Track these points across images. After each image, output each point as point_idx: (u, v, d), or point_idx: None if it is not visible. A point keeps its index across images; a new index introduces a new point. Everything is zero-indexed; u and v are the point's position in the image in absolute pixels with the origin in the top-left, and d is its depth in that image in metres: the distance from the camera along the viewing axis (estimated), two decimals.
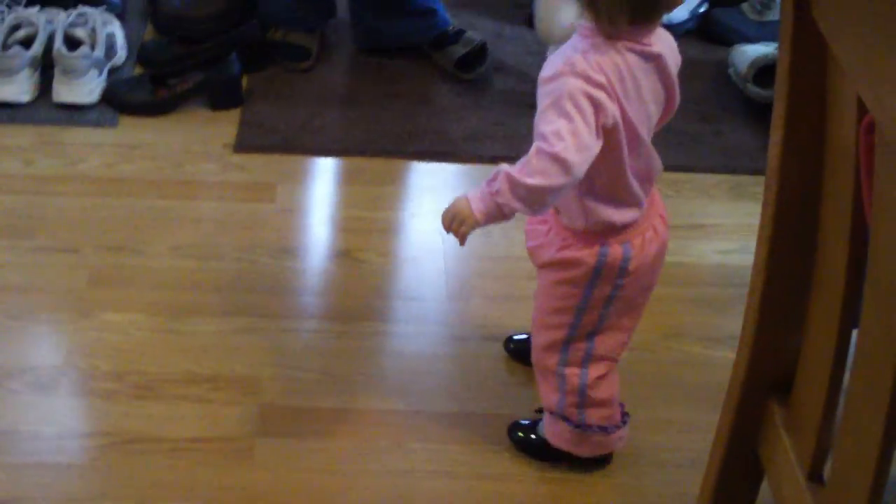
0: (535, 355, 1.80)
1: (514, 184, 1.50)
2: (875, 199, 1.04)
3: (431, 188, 2.49)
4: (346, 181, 2.49)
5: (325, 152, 2.52)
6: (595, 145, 1.49)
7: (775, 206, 1.24)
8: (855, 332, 1.15)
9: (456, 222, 1.57)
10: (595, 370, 1.75)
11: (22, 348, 2.03)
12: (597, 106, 1.48)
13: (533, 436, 1.90)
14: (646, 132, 1.58)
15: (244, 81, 2.67)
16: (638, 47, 1.52)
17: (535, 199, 1.51)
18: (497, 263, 2.28)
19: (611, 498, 1.84)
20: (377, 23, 2.80)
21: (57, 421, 1.89)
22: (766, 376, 1.32)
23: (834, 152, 1.14)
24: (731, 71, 2.81)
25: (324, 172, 2.53)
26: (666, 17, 2.71)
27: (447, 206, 1.59)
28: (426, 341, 2.10)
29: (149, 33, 2.85)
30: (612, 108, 1.50)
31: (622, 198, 1.61)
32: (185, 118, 2.60)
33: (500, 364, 2.06)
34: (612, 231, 1.63)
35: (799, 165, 1.20)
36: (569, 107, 1.47)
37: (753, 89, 2.70)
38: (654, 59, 1.55)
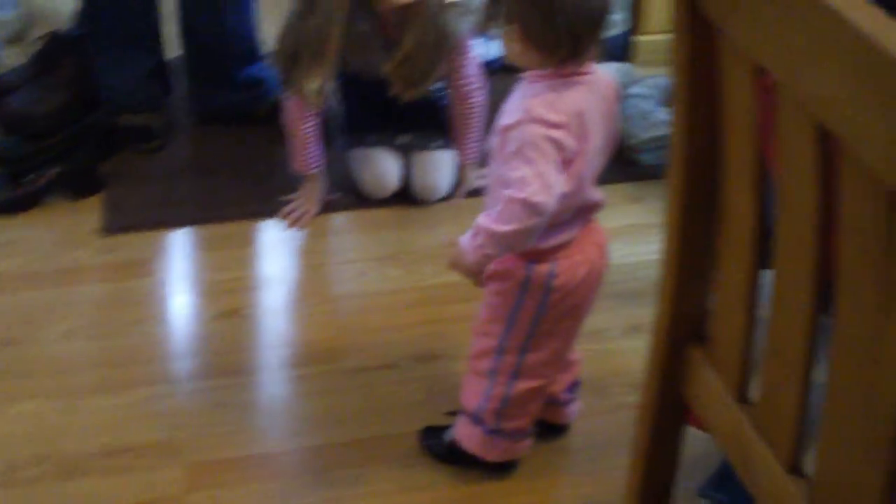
0: (471, 360, 1.93)
1: (492, 235, 1.69)
2: (780, 145, 1.23)
3: (298, 241, 2.63)
4: (216, 246, 2.60)
5: (189, 223, 2.64)
6: (559, 182, 1.66)
7: (682, 170, 1.43)
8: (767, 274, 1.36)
9: (460, 273, 1.81)
10: (522, 384, 1.88)
11: None
12: (557, 145, 1.64)
13: (442, 439, 2.03)
14: (591, 166, 1.72)
15: (100, 167, 2.76)
16: (584, 78, 1.69)
17: (514, 243, 1.71)
18: (375, 298, 2.44)
19: (528, 490, 2.00)
20: (212, 96, 2.94)
21: None
22: (685, 324, 1.52)
23: (733, 120, 1.34)
24: None
25: (192, 241, 2.64)
26: (483, 56, 2.94)
27: (453, 255, 1.80)
28: (324, 379, 2.22)
29: None
30: (570, 144, 1.66)
31: (555, 223, 1.74)
32: (47, 211, 2.67)
33: (396, 387, 2.20)
34: (542, 252, 1.77)
35: (699, 137, 1.40)
36: (531, 153, 1.64)
37: None
38: (598, 86, 1.71)
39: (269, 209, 2.68)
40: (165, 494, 1.97)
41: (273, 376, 2.24)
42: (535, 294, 1.80)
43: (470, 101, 2.66)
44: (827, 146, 1.18)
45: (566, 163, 1.67)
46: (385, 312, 2.40)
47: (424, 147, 2.73)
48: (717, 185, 1.43)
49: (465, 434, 1.97)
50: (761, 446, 1.37)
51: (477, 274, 1.80)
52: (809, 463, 1.32)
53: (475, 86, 2.65)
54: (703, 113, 1.41)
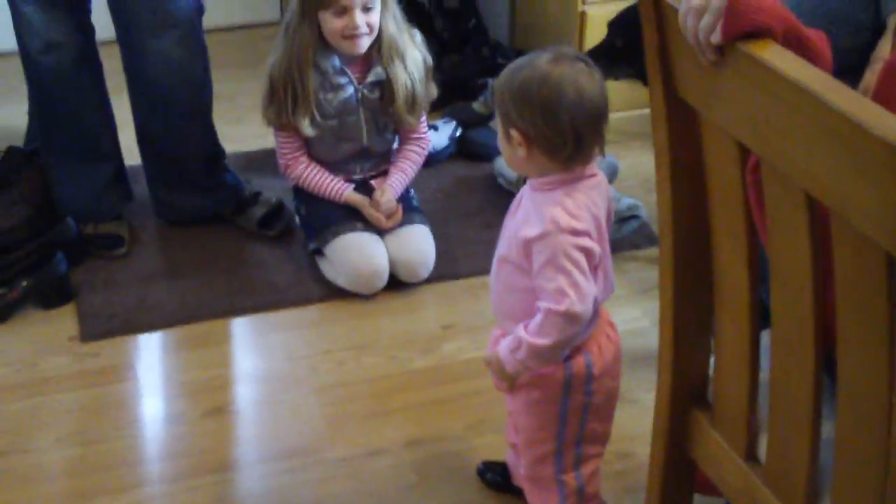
0: (529, 469, 1.96)
1: (535, 350, 1.74)
2: (769, 218, 1.34)
3: (274, 335, 2.69)
4: (194, 346, 2.65)
5: (167, 325, 2.69)
6: (593, 288, 1.72)
7: (672, 244, 1.54)
8: (764, 333, 1.46)
9: (500, 381, 1.85)
10: (586, 468, 1.93)
11: None
12: (587, 252, 1.70)
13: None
14: (607, 256, 1.80)
15: (70, 276, 2.80)
16: (593, 181, 1.75)
17: (555, 353, 1.77)
18: (359, 387, 2.50)
19: None
20: (177, 200, 3.01)
21: None
22: (686, 390, 1.61)
23: (720, 193, 1.44)
24: (500, 180, 3.15)
25: (171, 343, 2.68)
26: (431, 147, 3.09)
27: (491, 365, 1.84)
28: (314, 469, 2.28)
29: None
30: (597, 248, 1.73)
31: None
32: (22, 321, 2.70)
33: (387, 472, 2.26)
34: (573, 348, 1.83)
35: (687, 212, 1.51)
36: (564, 262, 1.69)
37: None
38: (603, 186, 1.78)
39: (241, 306, 2.74)
40: None
41: (263, 470, 2.29)
42: (579, 388, 1.84)
43: (418, 145, 2.92)
44: (814, 211, 1.29)
45: (593, 268, 1.73)
46: (367, 400, 2.47)
47: (401, 225, 2.84)
48: (708, 255, 1.53)
49: None
50: (774, 501, 1.47)
51: (512, 380, 1.83)
52: None
53: (424, 136, 2.93)
54: (689, 190, 1.52)
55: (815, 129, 1.20)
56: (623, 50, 2.64)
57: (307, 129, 2.76)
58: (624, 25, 2.68)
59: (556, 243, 1.70)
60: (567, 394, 1.84)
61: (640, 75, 2.72)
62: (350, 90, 2.79)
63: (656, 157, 1.51)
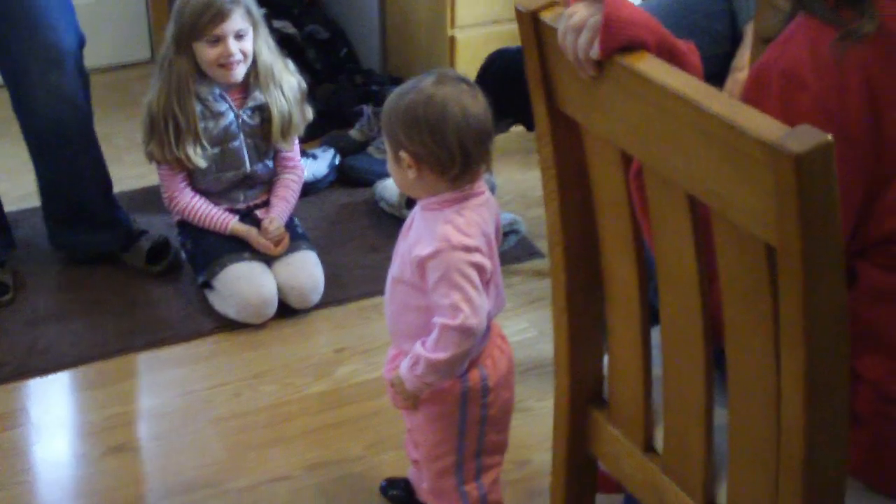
0: (432, 483, 2.01)
1: (433, 365, 1.80)
2: (653, 220, 1.41)
3: (169, 371, 2.70)
4: (89, 387, 2.65)
5: (60, 367, 2.68)
6: (486, 302, 1.78)
7: (562, 251, 1.60)
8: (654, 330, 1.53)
9: (401, 401, 1.91)
10: (487, 478, 1.99)
11: None
12: (479, 268, 1.77)
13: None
14: (497, 272, 1.86)
15: None
16: (481, 198, 1.81)
17: (452, 367, 1.82)
18: (255, 416, 2.53)
19: None
20: (74, 238, 3.01)
21: None
22: (583, 391, 1.68)
23: (606, 200, 1.51)
24: (382, 204, 3.20)
25: (66, 385, 2.67)
26: (310, 174, 3.15)
27: (395, 386, 1.89)
28: (221, 500, 2.29)
29: None
30: (488, 264, 1.79)
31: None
32: None
33: (292, 497, 2.30)
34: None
35: (575, 220, 1.58)
36: (457, 278, 1.75)
37: (407, 212, 3.09)
38: (491, 203, 1.84)
39: (133, 344, 2.74)
40: None
41: (186, 499, 2.30)
42: (475, 400, 1.90)
43: (294, 173, 2.97)
44: (696, 211, 1.37)
45: (485, 283, 1.80)
46: (265, 428, 2.50)
47: (289, 252, 2.88)
48: (597, 260, 1.60)
49: None
50: (675, 489, 1.54)
51: (415, 399, 1.89)
52: (722, 496, 1.49)
53: (299, 164, 2.99)
54: (576, 198, 1.59)
55: (692, 133, 1.27)
56: (499, 102, 2.72)
57: (198, 157, 2.79)
58: (492, 78, 2.74)
59: (449, 260, 1.76)
60: (465, 407, 1.90)
61: (524, 121, 2.79)
62: (231, 116, 2.84)
63: (543, 170, 1.58)
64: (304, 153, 3.21)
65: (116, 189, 3.06)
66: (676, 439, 1.53)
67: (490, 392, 1.91)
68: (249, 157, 2.89)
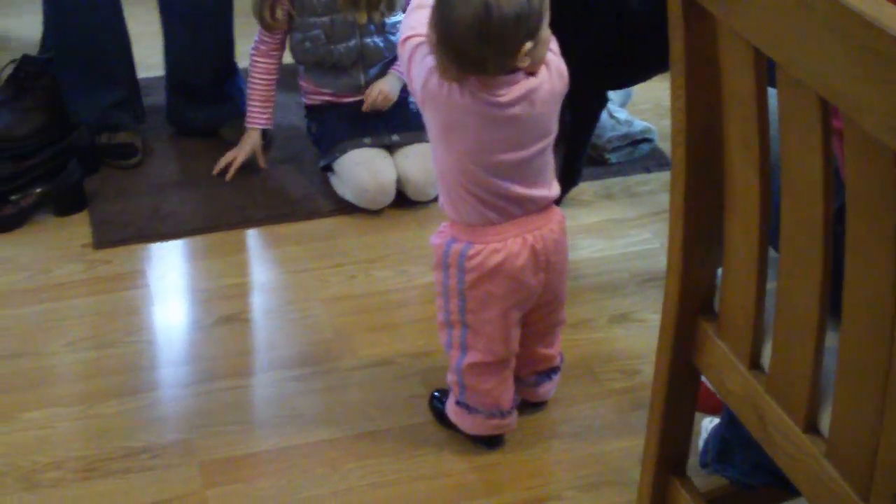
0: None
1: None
2: (781, 122, 1.34)
3: (286, 247, 2.71)
4: (206, 256, 2.68)
5: (180, 234, 2.71)
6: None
7: (685, 152, 1.54)
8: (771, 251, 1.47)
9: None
10: (470, 357, 2.02)
11: None
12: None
13: (440, 405, 2.19)
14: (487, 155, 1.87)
15: (84, 185, 2.81)
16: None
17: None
18: (367, 300, 2.53)
19: (532, 474, 2.10)
20: (192, 113, 3.03)
21: None
22: (694, 299, 1.63)
23: (734, 101, 1.44)
24: None
25: (184, 252, 2.71)
26: None
27: None
28: (324, 378, 2.31)
29: None
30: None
31: (470, 202, 1.91)
32: (35, 229, 2.73)
33: (394, 383, 2.30)
34: (461, 231, 1.94)
35: (701, 120, 1.51)
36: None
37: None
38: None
39: (253, 217, 2.76)
40: (183, 492, 2.04)
41: (274, 377, 2.32)
42: (453, 271, 1.96)
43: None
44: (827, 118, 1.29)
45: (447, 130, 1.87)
46: (376, 313, 2.50)
47: (409, 143, 2.84)
48: (720, 164, 1.54)
49: (448, 404, 2.14)
50: (777, 409, 1.48)
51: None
52: (825, 421, 1.43)
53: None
54: (703, 98, 1.52)
55: (828, 31, 1.20)
56: None
57: (282, 18, 2.78)
58: None
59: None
60: (445, 271, 1.97)
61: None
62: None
63: (672, 65, 1.51)
64: None
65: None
66: (784, 358, 1.47)
67: (467, 272, 1.94)
68: (361, 28, 2.79)
